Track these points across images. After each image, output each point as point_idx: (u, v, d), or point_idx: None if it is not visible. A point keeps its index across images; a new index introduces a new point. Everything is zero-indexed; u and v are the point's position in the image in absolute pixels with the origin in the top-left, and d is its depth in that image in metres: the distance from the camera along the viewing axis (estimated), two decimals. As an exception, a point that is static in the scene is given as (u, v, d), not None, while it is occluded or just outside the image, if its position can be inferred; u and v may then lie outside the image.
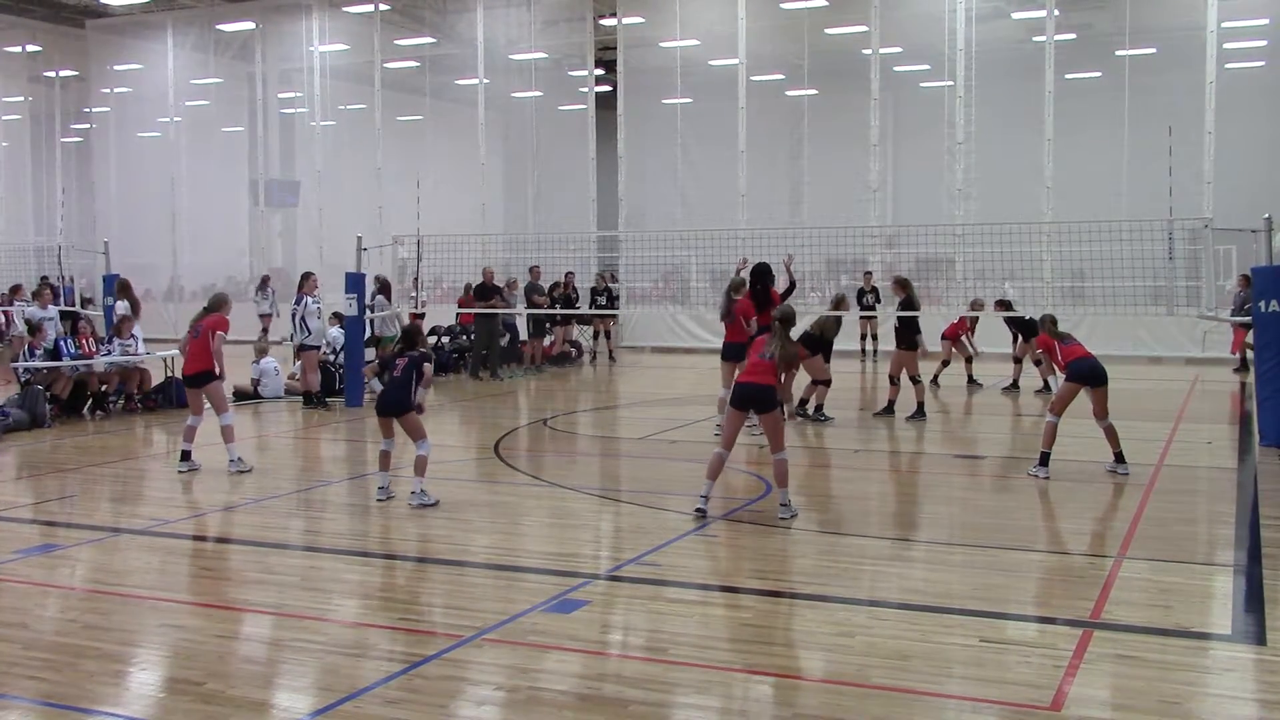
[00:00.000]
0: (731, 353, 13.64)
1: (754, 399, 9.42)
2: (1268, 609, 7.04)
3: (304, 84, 33.16)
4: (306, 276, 17.95)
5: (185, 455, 12.03)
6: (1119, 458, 11.34)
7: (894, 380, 15.70)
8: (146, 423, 16.12)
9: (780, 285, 15.37)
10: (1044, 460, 11.21)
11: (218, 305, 12.35)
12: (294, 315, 17.52)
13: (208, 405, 12.13)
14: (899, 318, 15.78)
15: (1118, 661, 6.14)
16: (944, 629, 6.76)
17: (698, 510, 9.44)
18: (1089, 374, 11.14)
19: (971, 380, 18.97)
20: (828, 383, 15.26)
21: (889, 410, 15.66)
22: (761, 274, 14.36)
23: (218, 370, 12.08)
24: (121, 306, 18.54)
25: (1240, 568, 8.09)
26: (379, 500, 10.26)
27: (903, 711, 5.53)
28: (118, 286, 19.52)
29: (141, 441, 14.83)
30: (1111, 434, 11.33)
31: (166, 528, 9.63)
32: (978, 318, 18.73)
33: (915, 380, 15.46)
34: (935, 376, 18.77)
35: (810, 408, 15.36)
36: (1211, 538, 9.32)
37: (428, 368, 10.40)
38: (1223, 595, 7.60)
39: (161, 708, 5.70)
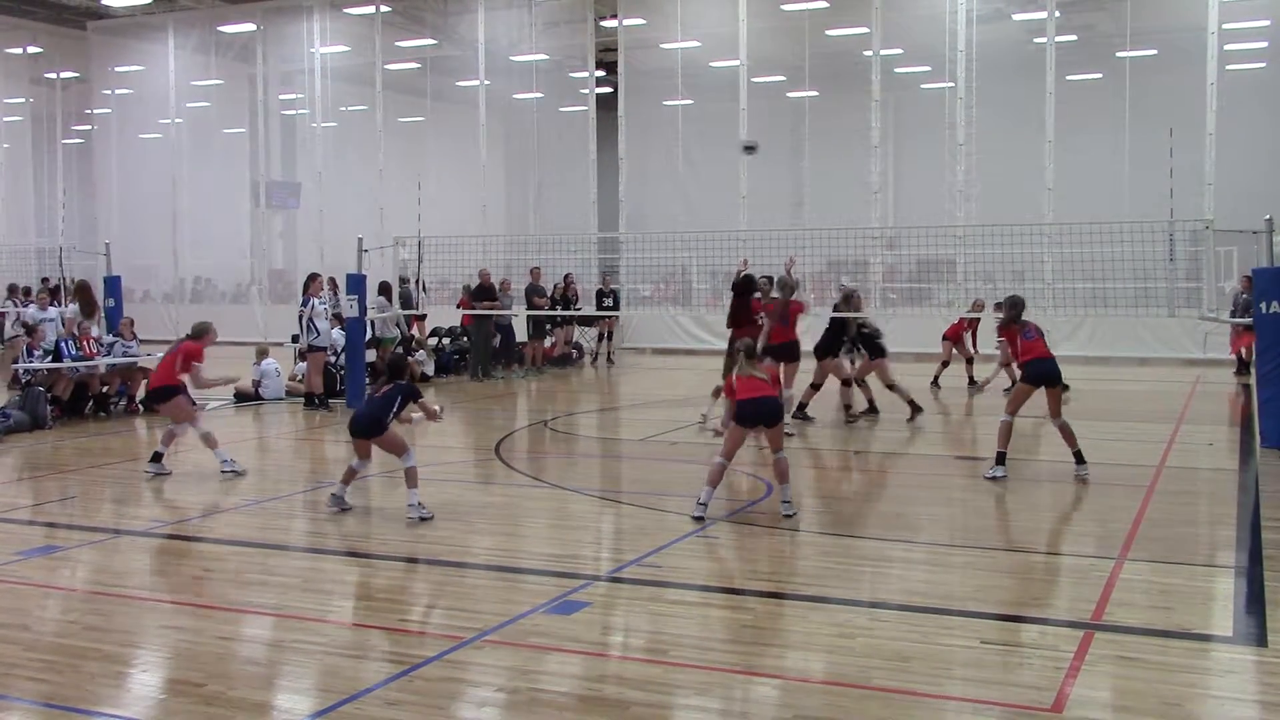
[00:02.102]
0: (784, 353, 14.30)
1: (765, 414, 9.47)
2: (1269, 611, 7.03)
3: (305, 85, 33.15)
4: (313, 278, 18.09)
5: (156, 457, 11.89)
6: (1078, 457, 11.23)
7: (891, 388, 15.56)
8: (148, 424, 16.11)
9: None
10: (1000, 460, 11.20)
11: (199, 334, 12.22)
12: (301, 317, 17.66)
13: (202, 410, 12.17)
14: (861, 331, 15.63)
15: (1119, 663, 6.14)
16: (945, 630, 6.75)
17: (695, 517, 9.41)
18: (1045, 376, 11.09)
19: (972, 381, 18.96)
20: (818, 386, 15.30)
21: (873, 410, 15.62)
22: (748, 285, 14.54)
23: (191, 387, 12.17)
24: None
25: (1241, 569, 8.08)
26: (330, 510, 9.89)
27: (903, 713, 5.53)
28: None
29: (143, 443, 14.82)
30: (1067, 432, 11.26)
31: (167, 529, 9.64)
32: (978, 319, 18.72)
33: (891, 386, 15.41)
34: (935, 378, 18.76)
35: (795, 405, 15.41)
36: (1213, 539, 9.32)
37: (423, 403, 10.14)
38: (1224, 597, 7.60)
39: (162, 709, 5.70)
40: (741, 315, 14.93)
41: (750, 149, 16.67)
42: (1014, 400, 11.38)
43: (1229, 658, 6.32)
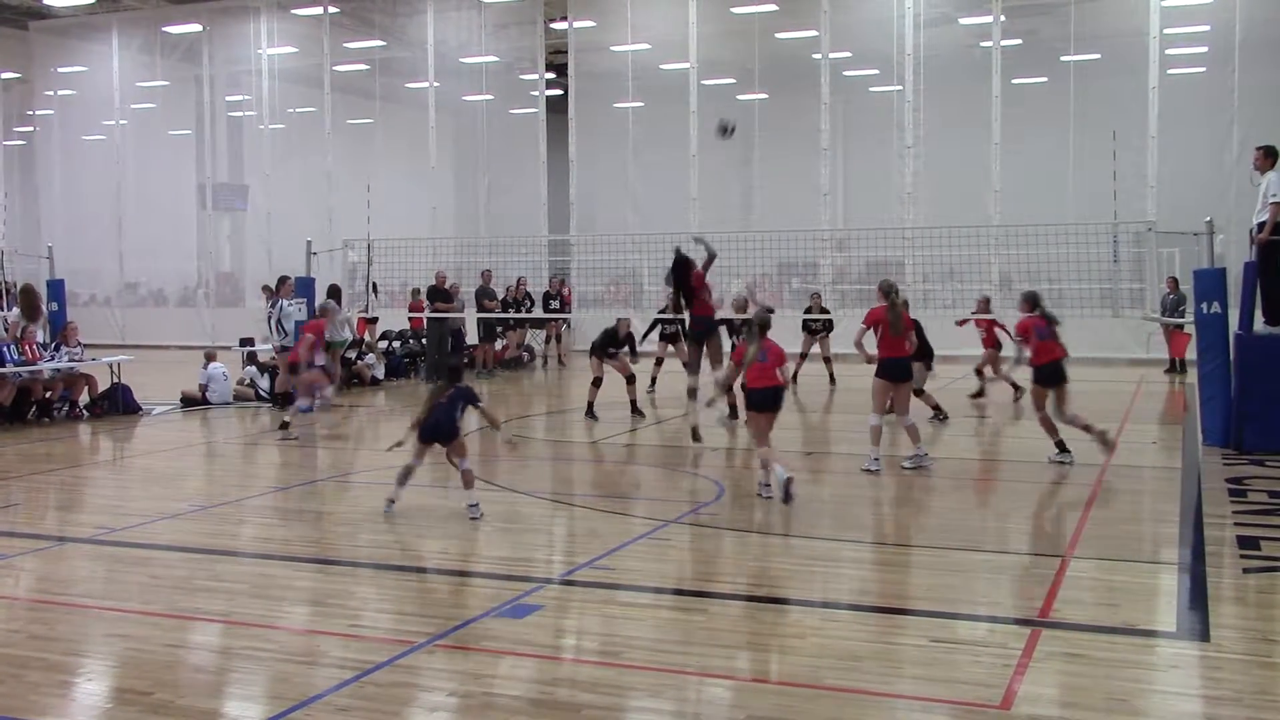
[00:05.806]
0: (896, 371, 11.86)
1: (771, 401, 10.41)
2: (1211, 606, 7.16)
3: (252, 87, 32.84)
4: (283, 280, 18.10)
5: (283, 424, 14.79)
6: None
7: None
8: (92, 430, 15.91)
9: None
10: (1061, 447, 12.10)
11: (320, 313, 15.61)
12: (270, 319, 17.74)
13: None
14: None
15: (1066, 660, 6.21)
16: (895, 629, 6.81)
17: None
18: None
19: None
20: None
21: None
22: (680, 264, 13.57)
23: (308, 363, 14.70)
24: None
25: (1184, 566, 8.20)
26: (386, 512, 9.95)
27: (854, 712, 5.57)
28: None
29: (86, 449, 14.63)
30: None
31: (112, 536, 9.51)
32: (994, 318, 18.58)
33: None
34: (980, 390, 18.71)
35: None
36: (1156, 536, 9.45)
37: (484, 409, 10.64)
38: (1168, 593, 7.71)
39: (109, 718, 5.62)
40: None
41: (726, 130, 15.62)
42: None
43: (1173, 653, 6.41)
